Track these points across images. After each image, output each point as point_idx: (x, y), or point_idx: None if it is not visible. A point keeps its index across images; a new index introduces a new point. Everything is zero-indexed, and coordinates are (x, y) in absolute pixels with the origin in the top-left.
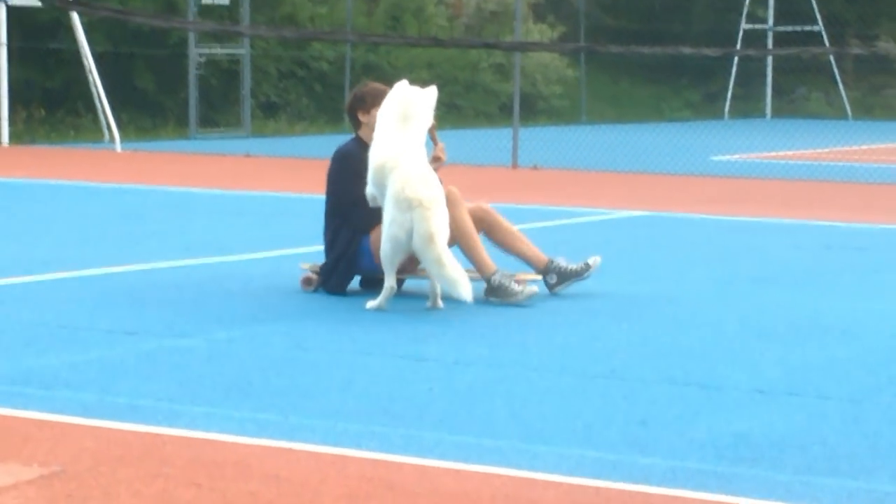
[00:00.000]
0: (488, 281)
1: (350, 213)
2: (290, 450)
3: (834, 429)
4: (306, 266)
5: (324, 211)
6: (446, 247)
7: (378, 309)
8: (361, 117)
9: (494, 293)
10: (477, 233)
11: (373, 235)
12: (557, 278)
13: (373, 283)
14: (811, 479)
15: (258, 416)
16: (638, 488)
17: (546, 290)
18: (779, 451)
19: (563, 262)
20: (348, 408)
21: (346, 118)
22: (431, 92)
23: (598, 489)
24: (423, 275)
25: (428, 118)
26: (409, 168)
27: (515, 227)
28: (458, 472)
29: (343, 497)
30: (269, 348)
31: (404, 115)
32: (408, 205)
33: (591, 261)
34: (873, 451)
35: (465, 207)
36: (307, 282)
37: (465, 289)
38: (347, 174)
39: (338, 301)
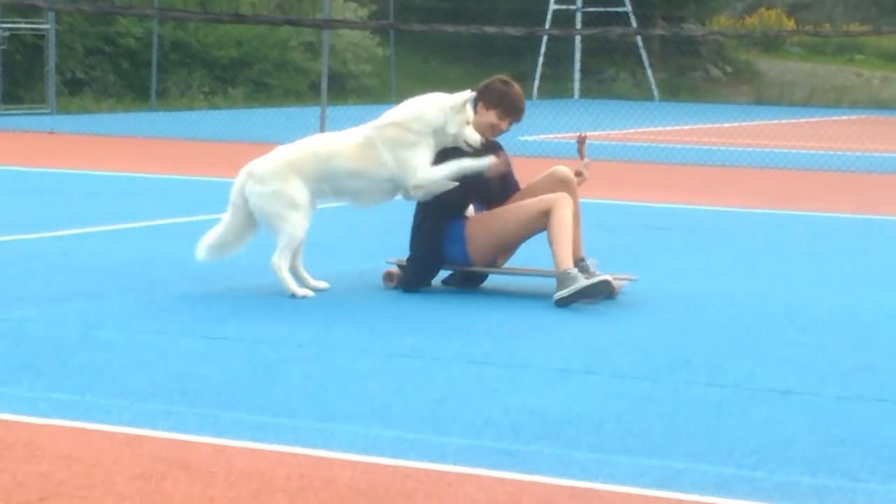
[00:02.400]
0: (559, 276)
1: (435, 200)
2: (83, 429)
3: (629, 407)
4: (392, 260)
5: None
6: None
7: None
8: (480, 108)
9: (562, 286)
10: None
11: (468, 226)
12: (563, 289)
13: (464, 280)
14: (605, 457)
15: (52, 395)
16: (434, 466)
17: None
18: (574, 429)
19: (579, 273)
20: (144, 388)
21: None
22: (463, 96)
23: (394, 468)
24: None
25: (430, 110)
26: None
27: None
28: (253, 451)
29: (137, 477)
30: (65, 328)
31: (398, 111)
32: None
33: (613, 280)
34: (668, 430)
35: (569, 210)
36: (388, 277)
37: None
38: (448, 155)
39: (135, 281)
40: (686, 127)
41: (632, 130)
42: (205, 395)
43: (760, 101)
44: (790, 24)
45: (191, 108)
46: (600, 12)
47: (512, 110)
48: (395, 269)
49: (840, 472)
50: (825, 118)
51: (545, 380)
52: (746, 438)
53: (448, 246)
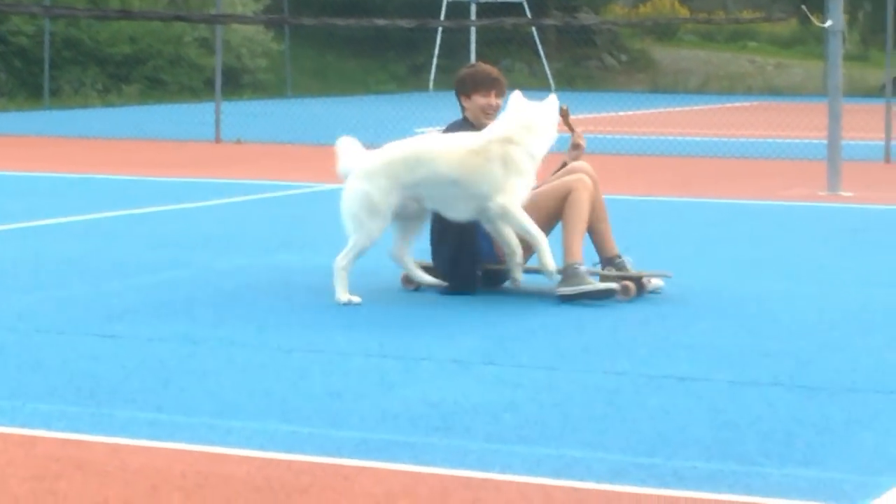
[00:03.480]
0: (566, 269)
1: None
2: None
3: (526, 397)
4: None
5: None
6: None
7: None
8: (464, 102)
9: (567, 282)
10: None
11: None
12: (568, 286)
13: (494, 280)
14: (501, 447)
15: None
16: (330, 461)
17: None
18: (471, 420)
19: (584, 269)
20: (38, 388)
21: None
22: (553, 103)
23: (290, 462)
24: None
25: (551, 133)
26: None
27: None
28: (148, 449)
29: (31, 478)
30: None
31: (527, 126)
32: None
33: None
34: (563, 419)
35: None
36: (408, 280)
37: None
38: None
39: (27, 280)
40: (582, 116)
41: None
42: (99, 393)
43: (656, 89)
44: (683, 12)
45: (85, 106)
46: (495, 2)
47: (489, 83)
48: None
49: (735, 457)
50: (720, 105)
51: (442, 371)
52: (642, 425)
53: (475, 240)
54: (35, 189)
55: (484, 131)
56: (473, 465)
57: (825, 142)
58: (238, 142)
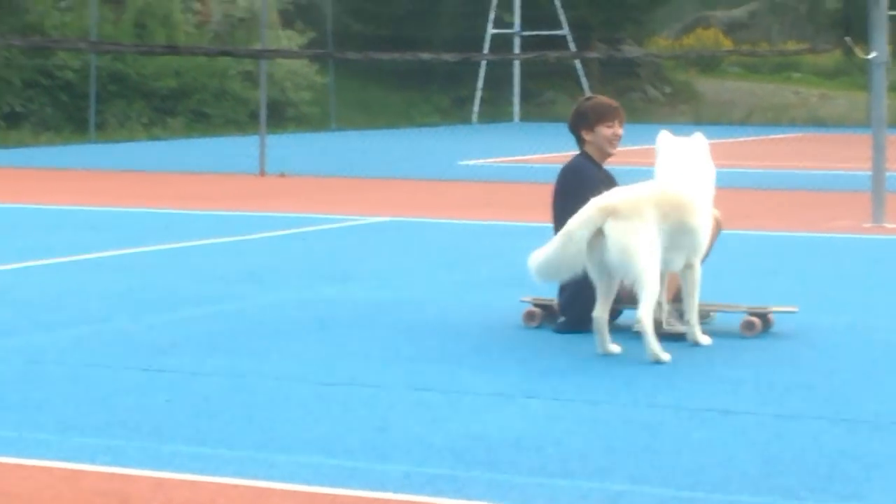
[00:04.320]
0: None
1: None
2: (21, 465)
3: (569, 430)
4: (527, 299)
5: (552, 233)
6: (578, 245)
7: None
8: (585, 135)
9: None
10: None
11: None
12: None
13: (579, 322)
14: (546, 481)
15: None
16: (375, 495)
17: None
18: (514, 453)
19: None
20: (83, 422)
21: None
22: (700, 140)
23: (334, 497)
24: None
25: (710, 171)
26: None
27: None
28: (193, 483)
29: None
30: (3, 363)
31: (683, 161)
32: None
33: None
34: (608, 452)
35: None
36: (530, 317)
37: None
38: (579, 188)
39: (74, 314)
40: (626, 148)
41: (572, 152)
42: (144, 427)
43: (699, 121)
44: (727, 44)
45: (130, 140)
46: (538, 36)
47: (612, 113)
48: (535, 308)
49: (778, 491)
50: (764, 137)
51: (485, 405)
52: (685, 459)
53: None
54: (80, 222)
55: (699, 181)
56: (517, 499)
57: (870, 173)
58: (282, 175)
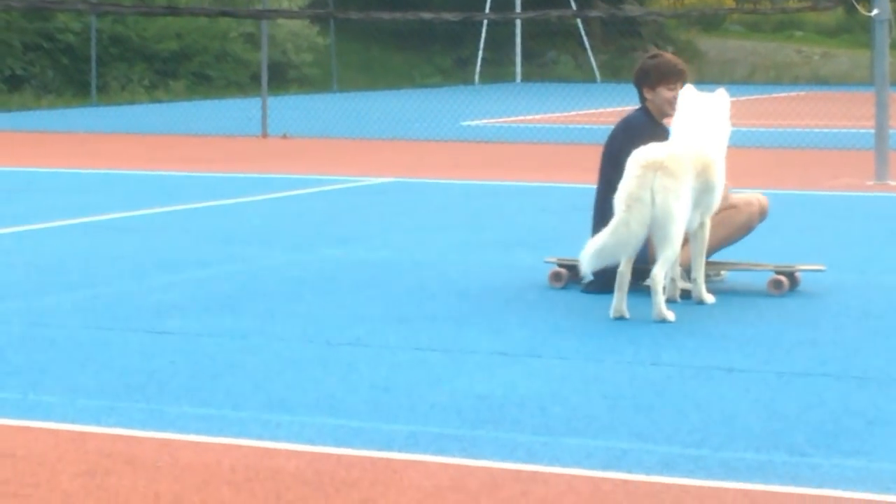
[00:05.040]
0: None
1: None
2: (27, 428)
3: (574, 388)
4: (552, 259)
5: (596, 189)
6: (643, 212)
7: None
8: (646, 93)
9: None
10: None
11: None
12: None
13: (638, 276)
14: (551, 440)
15: None
16: (380, 454)
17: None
18: (519, 412)
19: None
20: (88, 384)
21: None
22: (723, 96)
23: (339, 457)
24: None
25: (726, 124)
26: (658, 143)
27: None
28: (198, 444)
29: (82, 474)
30: (6, 326)
31: (701, 118)
32: (632, 163)
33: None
34: (612, 410)
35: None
36: (556, 277)
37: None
38: (631, 145)
39: (76, 277)
40: (629, 108)
41: (574, 112)
42: (149, 389)
43: (702, 80)
44: (729, 3)
45: (132, 103)
46: None
47: (676, 75)
48: (561, 269)
49: (783, 447)
50: (766, 95)
51: (489, 364)
52: (690, 416)
53: None
54: (83, 185)
55: (719, 139)
56: (522, 457)
57: (873, 131)
58: (284, 136)
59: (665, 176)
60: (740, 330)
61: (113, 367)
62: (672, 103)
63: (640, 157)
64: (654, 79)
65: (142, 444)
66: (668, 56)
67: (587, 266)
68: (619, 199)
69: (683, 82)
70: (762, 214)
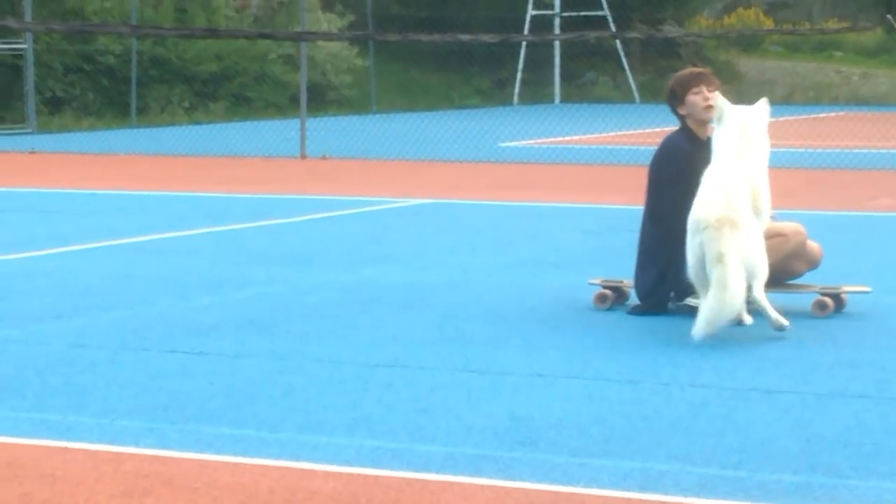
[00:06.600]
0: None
1: (673, 221)
2: (65, 449)
3: (611, 409)
4: (596, 281)
5: (642, 216)
6: (737, 268)
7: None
8: (681, 110)
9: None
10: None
11: None
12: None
13: (681, 294)
14: (588, 461)
15: (33, 415)
16: (416, 476)
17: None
18: (556, 434)
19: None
20: (126, 405)
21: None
22: (764, 108)
23: (376, 478)
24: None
25: (766, 138)
26: (709, 187)
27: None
28: (236, 465)
29: (119, 494)
30: (46, 347)
31: (741, 135)
32: (696, 227)
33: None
34: (649, 431)
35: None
36: (602, 299)
37: (742, 316)
38: (672, 173)
39: (116, 298)
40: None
41: (613, 133)
42: (187, 410)
43: (741, 100)
44: (768, 23)
45: (172, 124)
46: (578, 16)
47: (695, 79)
48: (607, 290)
49: (822, 469)
50: (806, 116)
51: (526, 385)
52: (728, 438)
53: (680, 269)
54: (122, 207)
55: (757, 159)
56: (559, 479)
57: None
58: (323, 158)
59: (738, 229)
60: (778, 351)
61: (151, 388)
62: (707, 108)
63: (706, 216)
64: (680, 92)
65: (179, 465)
66: (686, 68)
67: (702, 337)
68: (710, 263)
69: (707, 82)
70: (812, 262)
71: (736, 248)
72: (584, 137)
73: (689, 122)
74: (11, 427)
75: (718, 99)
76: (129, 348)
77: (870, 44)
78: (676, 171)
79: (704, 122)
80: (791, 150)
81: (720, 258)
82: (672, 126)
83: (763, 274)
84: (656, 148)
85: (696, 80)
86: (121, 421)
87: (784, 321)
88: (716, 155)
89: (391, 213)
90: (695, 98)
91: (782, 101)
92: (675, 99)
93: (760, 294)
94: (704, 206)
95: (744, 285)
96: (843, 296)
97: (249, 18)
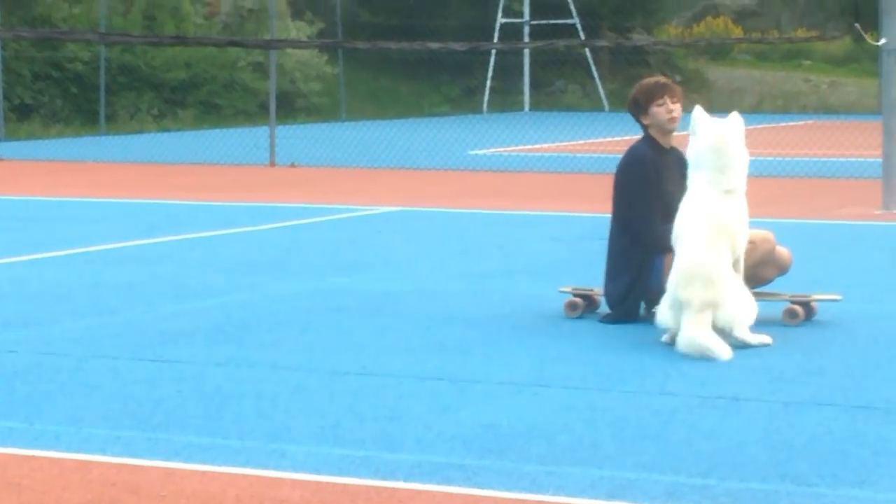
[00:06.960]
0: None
1: (640, 229)
2: (32, 457)
3: (580, 418)
4: (567, 289)
5: (609, 225)
6: (707, 326)
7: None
8: (644, 120)
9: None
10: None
11: (668, 259)
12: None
13: (652, 304)
14: (556, 469)
15: (0, 424)
16: (385, 484)
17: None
18: (525, 442)
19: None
20: (93, 413)
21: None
22: (738, 121)
23: (345, 486)
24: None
25: (744, 156)
26: (686, 256)
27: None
28: (203, 473)
29: (86, 503)
30: (13, 355)
31: (720, 167)
32: (679, 305)
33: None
34: (618, 440)
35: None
36: (572, 307)
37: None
38: (637, 182)
39: (84, 306)
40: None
41: (582, 141)
42: (154, 418)
43: (710, 108)
44: (737, 32)
45: (140, 132)
46: (548, 25)
47: (658, 90)
48: (577, 298)
49: (789, 477)
50: (774, 124)
51: (495, 393)
52: (696, 446)
53: (649, 277)
54: (91, 214)
55: (736, 170)
56: (528, 487)
57: (880, 160)
58: (292, 165)
59: (718, 308)
60: (747, 359)
61: (119, 395)
62: (671, 119)
63: (709, 221)
64: (643, 102)
65: (147, 473)
66: (649, 78)
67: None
68: (685, 309)
69: (671, 94)
70: (781, 268)
71: (712, 316)
72: (553, 145)
73: (652, 132)
74: None
75: (695, 111)
76: (97, 356)
77: (838, 53)
78: (641, 180)
79: (668, 132)
80: (760, 158)
81: (716, 277)
82: (641, 134)
83: (745, 317)
84: (622, 157)
85: (659, 92)
86: (88, 429)
87: (767, 339)
88: (692, 181)
89: (361, 221)
90: (658, 110)
91: (751, 109)
92: (638, 109)
93: (744, 335)
94: (687, 278)
95: (710, 334)
96: (814, 304)
97: (218, 26)
